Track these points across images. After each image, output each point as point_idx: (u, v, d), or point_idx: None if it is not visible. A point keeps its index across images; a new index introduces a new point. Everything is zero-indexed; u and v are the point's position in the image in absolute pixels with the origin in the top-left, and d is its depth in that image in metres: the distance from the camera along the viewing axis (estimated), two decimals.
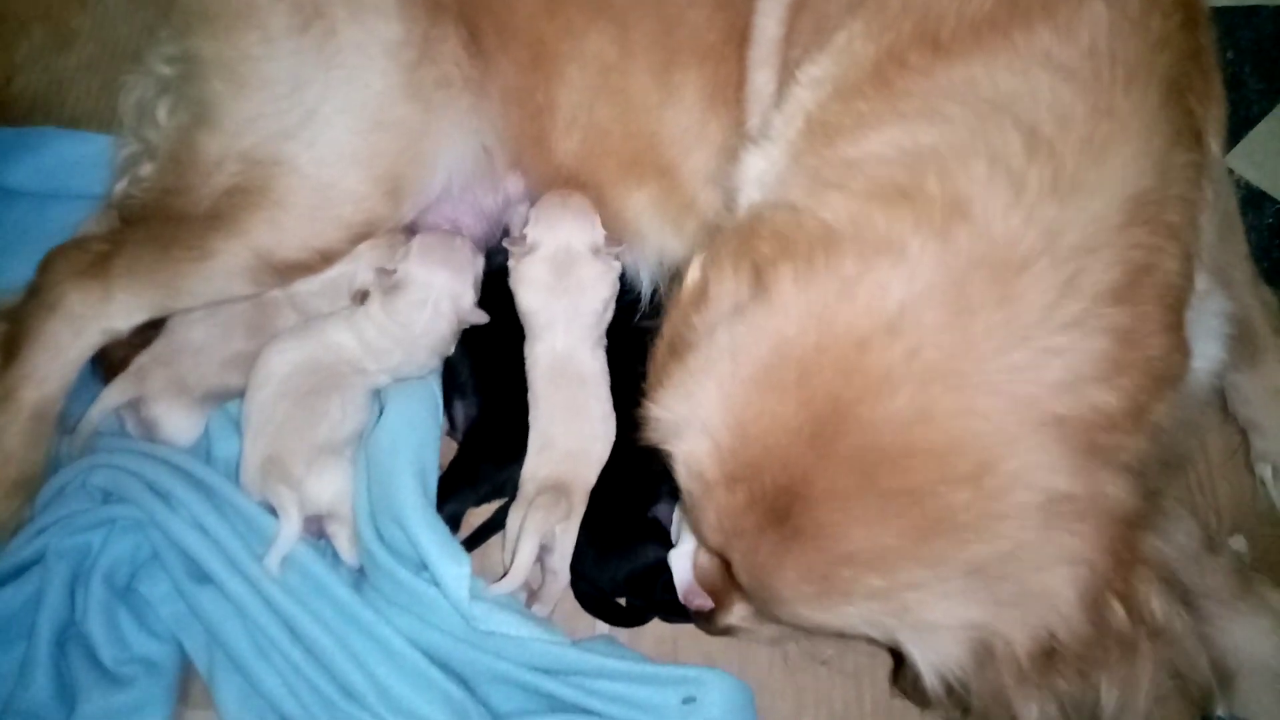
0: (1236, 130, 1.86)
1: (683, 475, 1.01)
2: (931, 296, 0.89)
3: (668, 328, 1.10)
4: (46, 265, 1.49)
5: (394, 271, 1.46)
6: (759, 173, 1.18)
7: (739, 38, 1.36)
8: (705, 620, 1.24)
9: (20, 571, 1.40)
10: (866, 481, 0.89)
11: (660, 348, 1.11)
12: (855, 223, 0.95)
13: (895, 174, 0.97)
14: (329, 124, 1.40)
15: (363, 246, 1.48)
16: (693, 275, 1.08)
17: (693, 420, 0.97)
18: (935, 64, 1.04)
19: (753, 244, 1.00)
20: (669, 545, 1.34)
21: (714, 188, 1.42)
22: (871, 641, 1.00)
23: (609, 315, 1.50)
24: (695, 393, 0.97)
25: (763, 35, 1.33)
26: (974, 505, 0.88)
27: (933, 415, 0.87)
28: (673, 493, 1.38)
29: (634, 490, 1.41)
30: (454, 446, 1.52)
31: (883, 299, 0.89)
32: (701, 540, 1.11)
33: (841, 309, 0.90)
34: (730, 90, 1.38)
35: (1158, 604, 0.95)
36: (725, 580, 1.15)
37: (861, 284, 0.90)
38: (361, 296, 1.50)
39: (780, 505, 0.92)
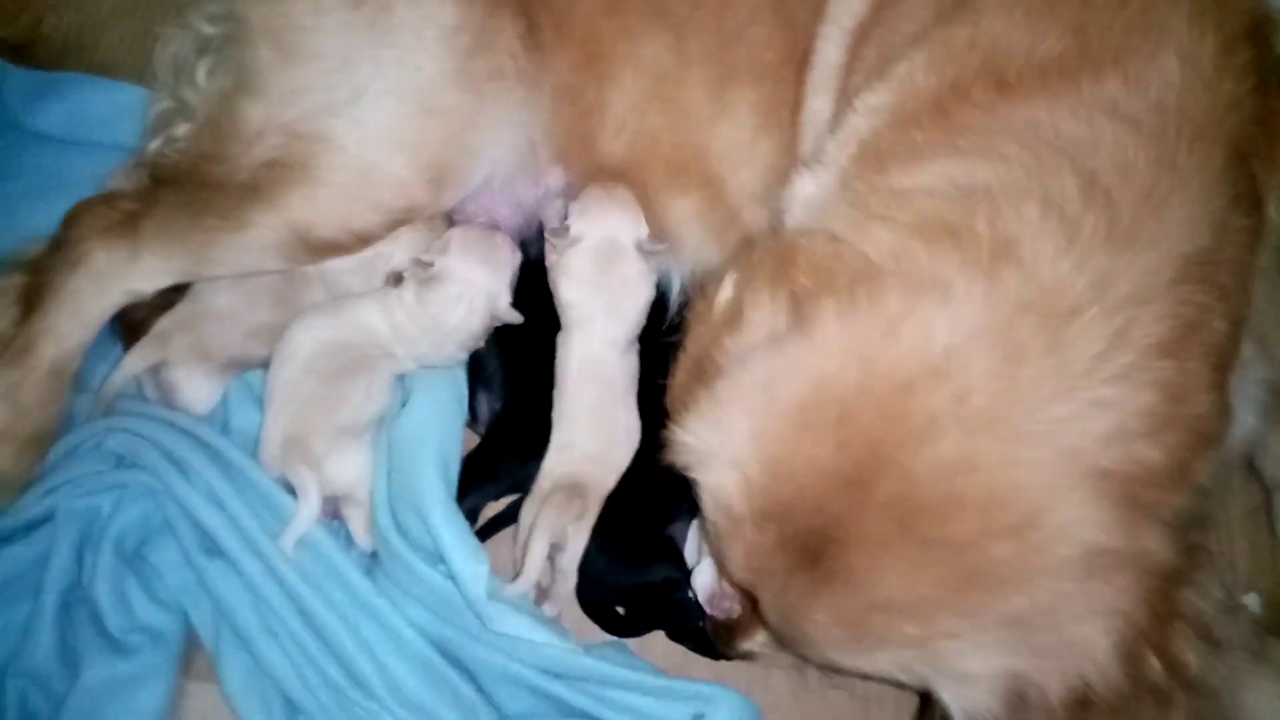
0: None
1: (709, 507, 1.00)
2: (979, 340, 0.88)
3: (693, 345, 1.09)
4: (72, 220, 1.47)
5: (431, 264, 1.44)
6: (807, 196, 1.17)
7: (798, 60, 1.34)
8: (724, 643, 1.24)
9: (29, 529, 1.39)
10: (905, 529, 0.88)
11: (684, 366, 1.09)
12: (898, 258, 0.94)
13: (943, 209, 0.96)
14: (376, 104, 1.38)
15: (402, 230, 1.46)
16: (725, 294, 1.06)
17: (722, 452, 0.96)
18: (998, 101, 1.04)
19: (791, 271, 0.99)
20: (681, 566, 1.35)
21: (760, 205, 1.41)
22: (900, 685, 1.00)
23: (644, 319, 1.49)
24: (726, 424, 0.96)
25: (823, 60, 1.31)
26: (1016, 559, 0.88)
27: (977, 465, 0.87)
28: (690, 512, 1.39)
29: (652, 504, 1.41)
30: (473, 437, 1.52)
31: (928, 340, 0.89)
32: (725, 573, 1.11)
33: (885, 349, 0.89)
34: (785, 112, 1.36)
35: (1193, 657, 0.95)
36: (747, 609, 1.15)
37: (905, 323, 0.89)
38: (396, 279, 1.48)
39: (813, 547, 0.92)
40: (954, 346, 0.88)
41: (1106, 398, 0.88)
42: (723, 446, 0.95)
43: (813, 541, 0.91)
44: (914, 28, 1.18)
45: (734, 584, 1.09)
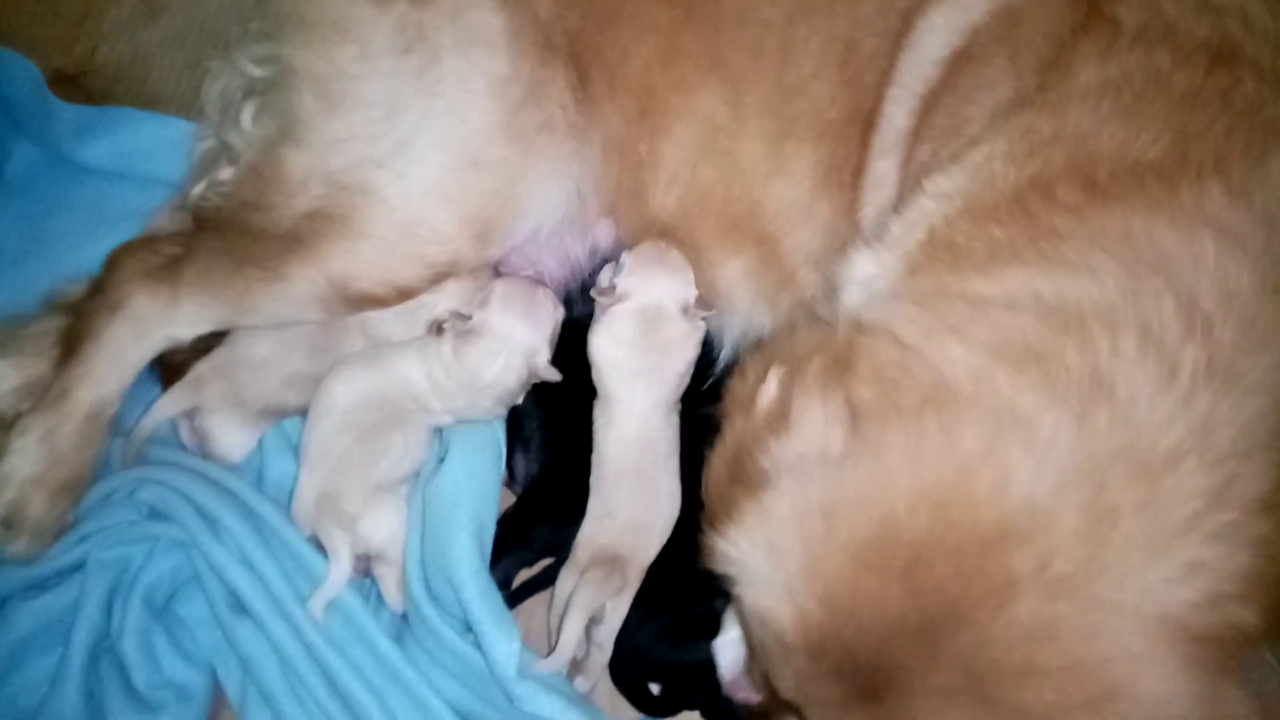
0: None
1: (755, 627, 0.93)
2: (1065, 494, 0.80)
3: (732, 438, 1.02)
4: (114, 262, 1.45)
5: (470, 318, 1.40)
6: (867, 277, 1.10)
7: (863, 121, 1.28)
8: None
9: (59, 578, 1.37)
10: (974, 687, 0.82)
11: (722, 458, 1.02)
12: (976, 383, 0.86)
13: (1029, 329, 0.88)
14: (422, 157, 1.34)
15: (448, 282, 1.42)
16: (769, 393, 0.98)
17: (774, 577, 0.88)
18: (1087, 205, 0.96)
19: (848, 376, 0.91)
20: None
21: (815, 269, 1.35)
22: None
23: (687, 380, 1.44)
24: (778, 546, 0.88)
25: (890, 124, 1.25)
26: None
27: (1057, 633, 0.80)
28: None
29: (695, 573, 1.35)
30: (510, 495, 1.47)
31: (1008, 488, 0.81)
32: (768, 682, 1.05)
33: (960, 492, 0.82)
34: (846, 173, 1.30)
35: None
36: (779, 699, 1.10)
37: (984, 465, 0.82)
38: (438, 328, 1.44)
39: (872, 686, 0.85)
40: (1037, 500, 0.80)
41: (1202, 559, 0.80)
42: (774, 571, 0.88)
43: (873, 680, 0.85)
44: (991, 103, 1.11)
45: (776, 695, 1.03)
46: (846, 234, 1.29)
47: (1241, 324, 0.87)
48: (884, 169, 1.25)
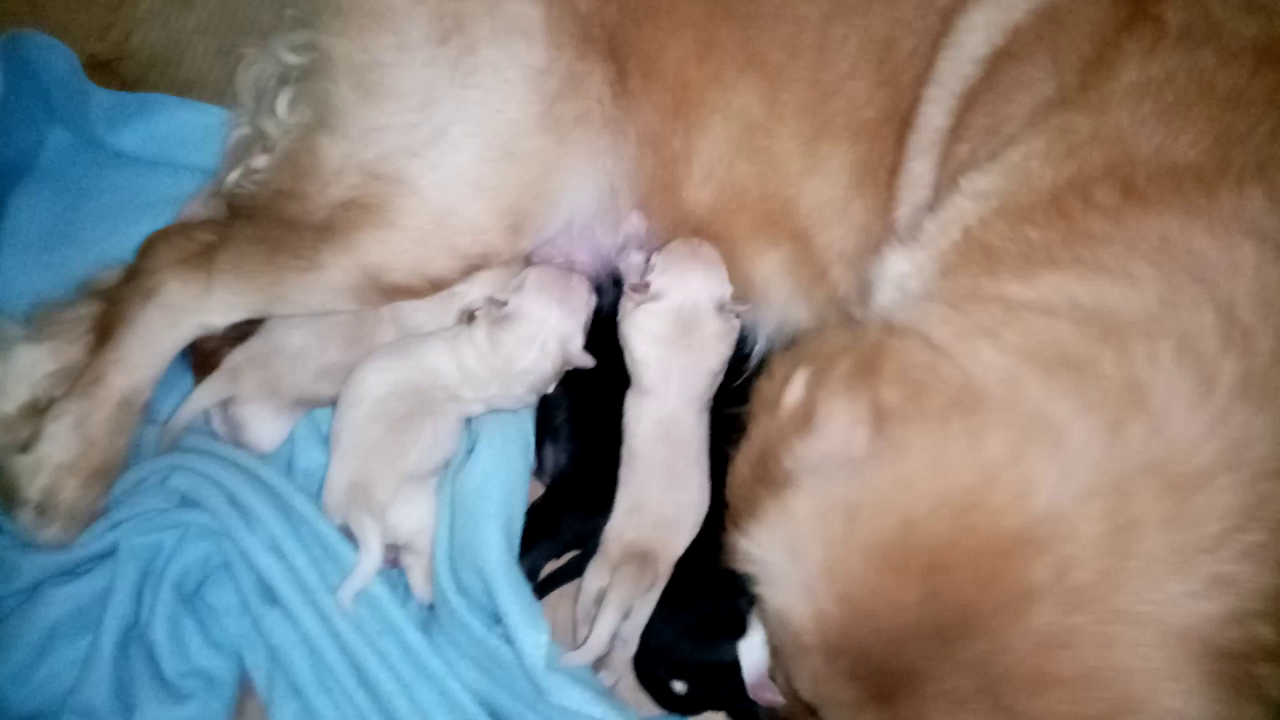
0: None
1: (774, 626, 0.93)
2: (1090, 505, 0.79)
3: (757, 438, 1.01)
4: (148, 249, 1.45)
5: (505, 303, 1.40)
6: (900, 275, 1.09)
7: (899, 120, 1.26)
8: None
9: (91, 564, 1.38)
10: (987, 693, 0.80)
11: (747, 457, 1.02)
12: (1007, 387, 0.84)
13: (1064, 336, 0.87)
14: (457, 147, 1.34)
15: (480, 273, 1.42)
16: (794, 394, 0.97)
17: (794, 577, 0.88)
18: (1125, 208, 0.94)
19: (875, 378, 0.90)
20: None
21: (849, 266, 1.34)
22: None
23: (721, 377, 1.43)
24: (800, 546, 0.88)
25: (927, 123, 1.23)
26: None
27: (1074, 643, 0.79)
28: None
29: (721, 573, 1.34)
30: (539, 485, 1.47)
31: (1032, 496, 0.79)
32: (788, 681, 1.04)
33: (981, 499, 0.81)
34: (882, 173, 1.29)
35: None
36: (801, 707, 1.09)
37: (1008, 471, 0.80)
38: (469, 317, 1.44)
39: (886, 688, 0.84)
40: (1060, 509, 0.79)
41: (1229, 576, 0.79)
42: (795, 570, 0.88)
43: (887, 682, 0.84)
44: (1031, 101, 1.09)
45: (798, 697, 1.03)
46: (880, 233, 1.28)
47: (1278, 336, 0.85)
48: (920, 169, 1.24)
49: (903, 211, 1.26)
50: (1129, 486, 0.79)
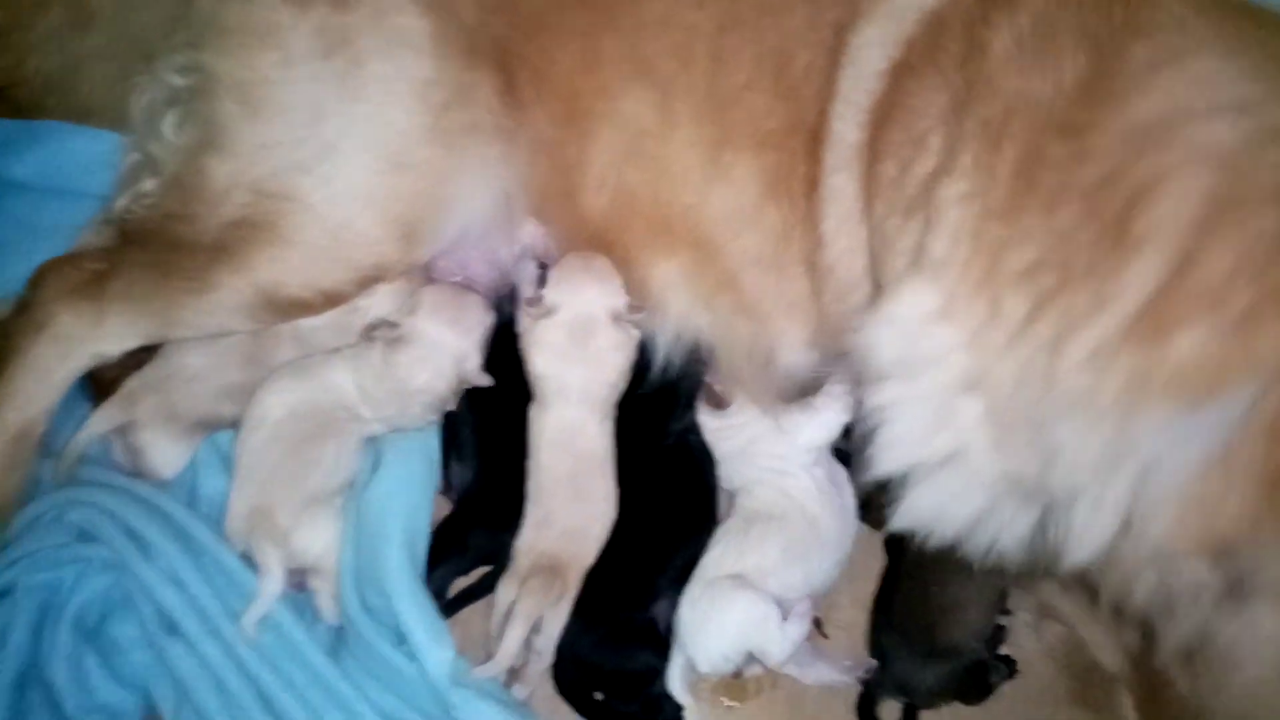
0: None
1: None
2: None
3: None
4: (38, 280, 1.43)
5: (398, 325, 1.39)
6: (930, 311, 1.09)
7: (806, 133, 1.28)
8: None
9: None
10: None
11: None
12: None
13: None
14: (347, 161, 1.33)
15: (380, 285, 1.40)
16: None
17: None
18: (1079, 147, 1.01)
19: None
20: (663, 650, 1.28)
21: (767, 271, 1.34)
22: None
23: (623, 386, 1.42)
24: None
25: (840, 138, 1.26)
26: None
27: None
28: (674, 587, 1.31)
29: (633, 579, 1.34)
30: (446, 503, 1.45)
31: None
32: None
33: None
34: (795, 183, 1.30)
35: None
36: None
37: None
38: (371, 332, 1.42)
39: None
40: None
41: None
42: None
43: None
44: (938, 112, 1.13)
45: None
46: (802, 240, 1.31)
47: None
48: (840, 182, 1.26)
49: (829, 225, 1.27)
50: None
